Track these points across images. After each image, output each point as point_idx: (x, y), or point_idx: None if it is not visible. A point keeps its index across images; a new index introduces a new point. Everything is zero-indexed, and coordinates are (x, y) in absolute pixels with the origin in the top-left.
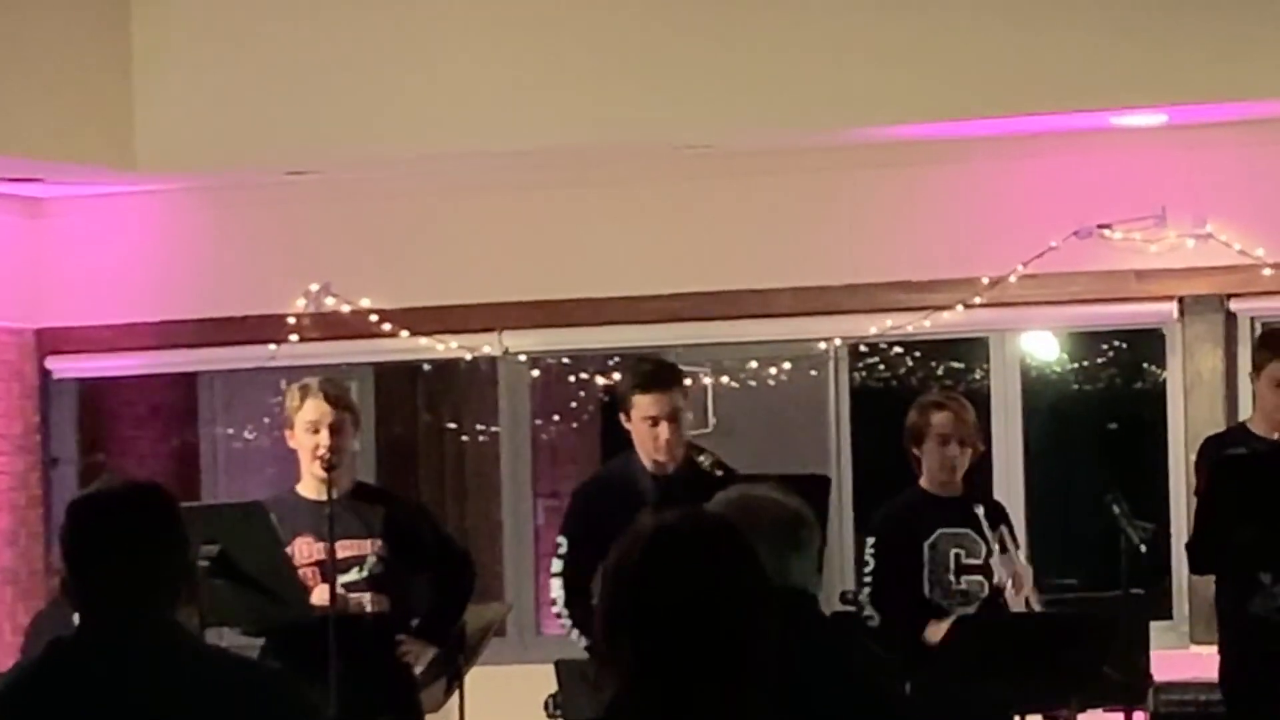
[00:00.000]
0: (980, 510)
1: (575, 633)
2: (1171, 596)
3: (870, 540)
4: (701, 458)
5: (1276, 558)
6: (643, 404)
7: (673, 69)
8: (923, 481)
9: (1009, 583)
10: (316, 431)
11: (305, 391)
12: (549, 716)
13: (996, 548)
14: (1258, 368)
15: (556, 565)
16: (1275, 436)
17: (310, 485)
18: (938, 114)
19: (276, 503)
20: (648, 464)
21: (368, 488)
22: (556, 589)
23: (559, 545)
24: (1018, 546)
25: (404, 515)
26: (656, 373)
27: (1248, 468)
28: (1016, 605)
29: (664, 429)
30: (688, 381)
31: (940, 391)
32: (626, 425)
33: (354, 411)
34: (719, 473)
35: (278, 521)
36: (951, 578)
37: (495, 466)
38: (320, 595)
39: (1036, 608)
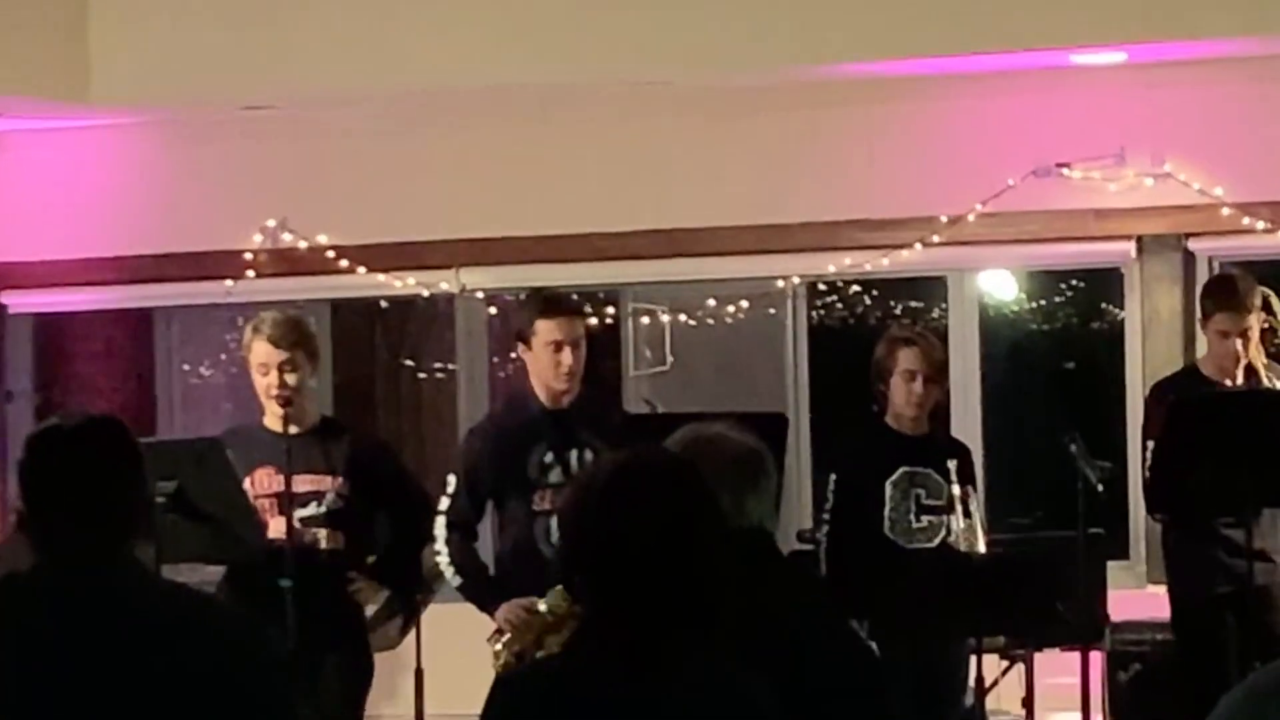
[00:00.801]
0: (953, 465)
1: (450, 570)
2: (1129, 536)
3: (832, 477)
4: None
5: (1232, 500)
6: (547, 329)
7: (632, 5)
8: (887, 418)
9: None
10: (267, 373)
11: (255, 331)
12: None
13: (960, 509)
14: (1205, 317)
15: (443, 503)
16: (1226, 382)
17: (272, 418)
18: (897, 52)
19: (241, 433)
20: (544, 397)
21: (334, 424)
22: (439, 526)
23: (447, 484)
24: (979, 509)
25: (367, 453)
26: (562, 299)
27: (1205, 411)
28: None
29: (567, 354)
30: (663, 319)
31: (909, 327)
32: (525, 355)
33: (308, 346)
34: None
35: (241, 452)
36: (912, 517)
37: (452, 403)
38: (277, 528)
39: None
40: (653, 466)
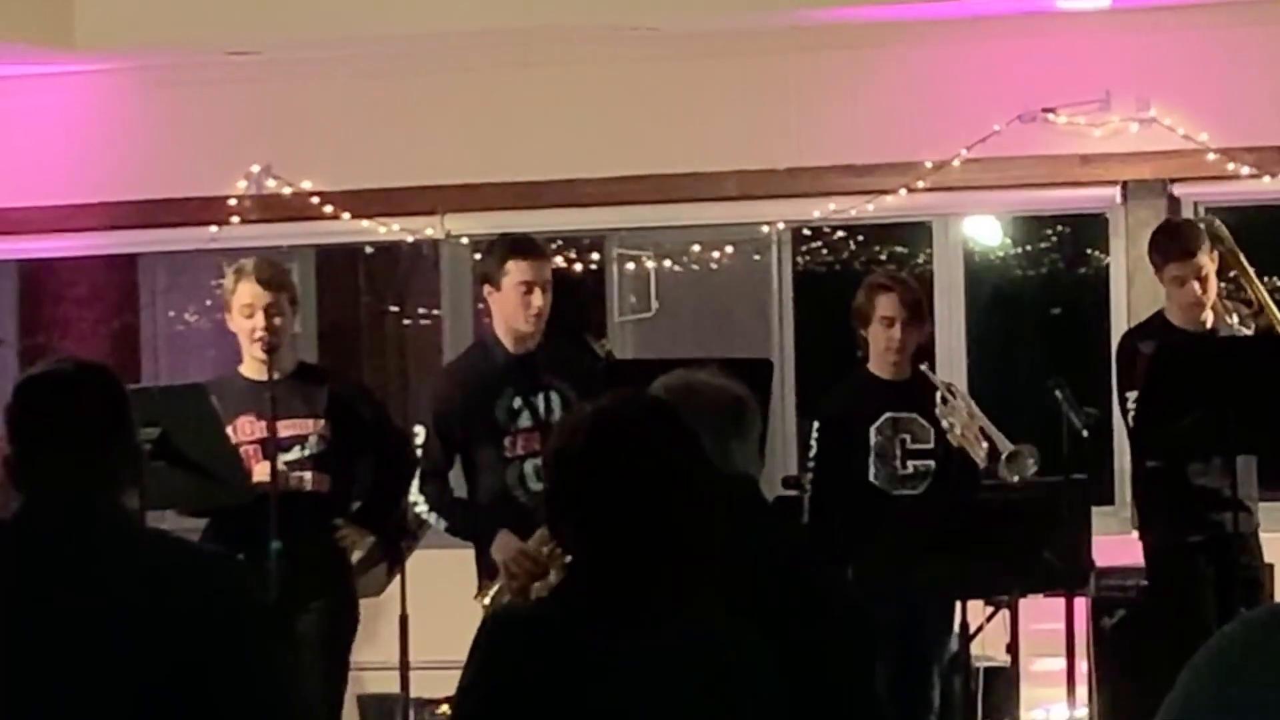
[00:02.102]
0: (939, 393)
1: (434, 516)
2: (1114, 482)
3: (815, 425)
4: (600, 344)
5: (1216, 443)
6: (518, 269)
7: None
8: (869, 364)
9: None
10: (251, 315)
11: (239, 274)
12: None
13: (955, 400)
14: (1157, 269)
15: (418, 454)
16: (1192, 328)
17: (251, 366)
18: None
19: (219, 384)
20: (508, 342)
21: (311, 368)
22: (414, 478)
23: (414, 434)
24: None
25: (347, 396)
26: (532, 241)
27: (1185, 356)
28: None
29: (536, 296)
30: (648, 265)
31: (887, 272)
32: (492, 298)
33: (291, 291)
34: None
35: (220, 402)
36: (898, 462)
37: (437, 349)
38: (262, 472)
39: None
40: (636, 410)
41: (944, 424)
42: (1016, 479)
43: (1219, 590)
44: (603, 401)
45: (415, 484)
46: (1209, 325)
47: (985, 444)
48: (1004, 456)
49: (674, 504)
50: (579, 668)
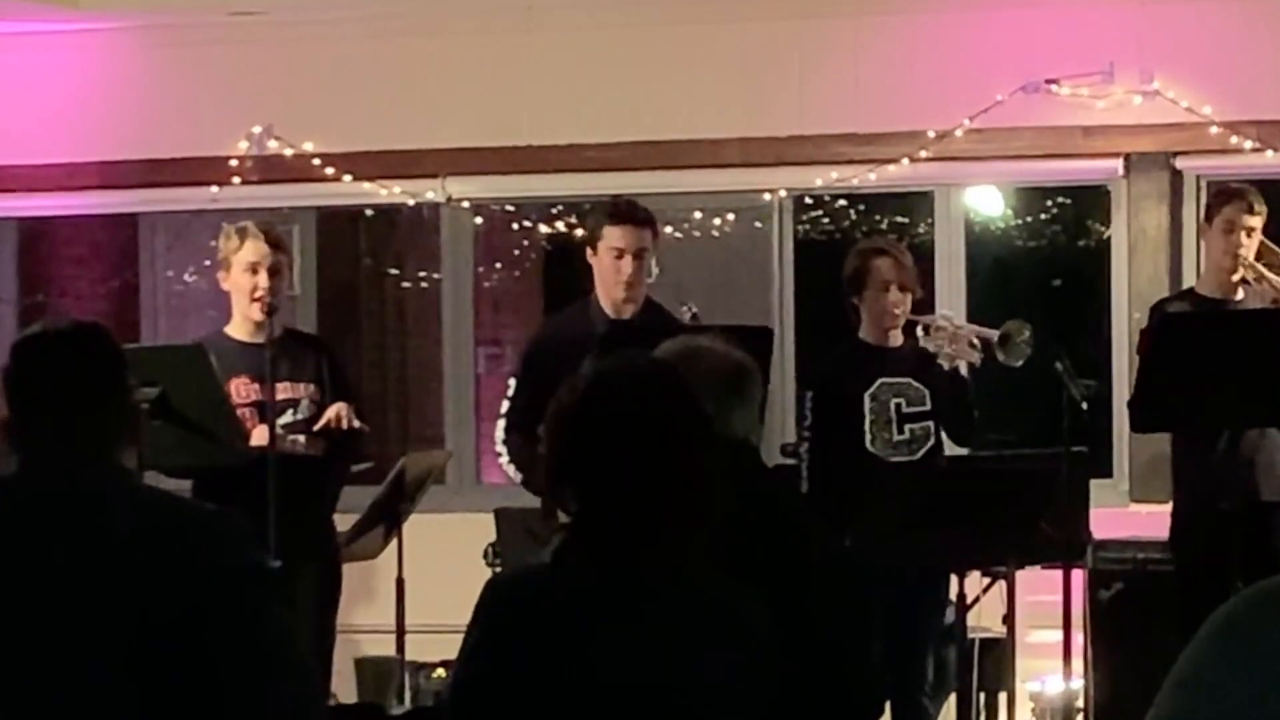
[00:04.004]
0: (918, 327)
1: (512, 468)
2: (1112, 455)
3: (809, 394)
4: (683, 308)
5: (1217, 416)
6: (612, 235)
7: None
8: (862, 332)
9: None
10: (255, 273)
11: (244, 233)
12: (488, 565)
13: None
14: (1209, 215)
15: (504, 405)
16: (1221, 296)
17: (241, 327)
18: None
19: (209, 345)
20: (607, 307)
21: (298, 333)
22: (500, 430)
23: (508, 387)
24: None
25: (334, 361)
26: (630, 207)
27: (1190, 325)
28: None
29: (628, 263)
30: (664, 229)
31: (877, 238)
32: (591, 261)
33: (289, 255)
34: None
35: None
36: (893, 428)
37: (436, 314)
38: (260, 436)
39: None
40: (633, 372)
41: (932, 350)
42: (1020, 363)
43: (1243, 562)
44: (602, 364)
45: (500, 435)
46: (1237, 296)
47: (980, 350)
48: (995, 342)
49: (670, 466)
50: (579, 631)
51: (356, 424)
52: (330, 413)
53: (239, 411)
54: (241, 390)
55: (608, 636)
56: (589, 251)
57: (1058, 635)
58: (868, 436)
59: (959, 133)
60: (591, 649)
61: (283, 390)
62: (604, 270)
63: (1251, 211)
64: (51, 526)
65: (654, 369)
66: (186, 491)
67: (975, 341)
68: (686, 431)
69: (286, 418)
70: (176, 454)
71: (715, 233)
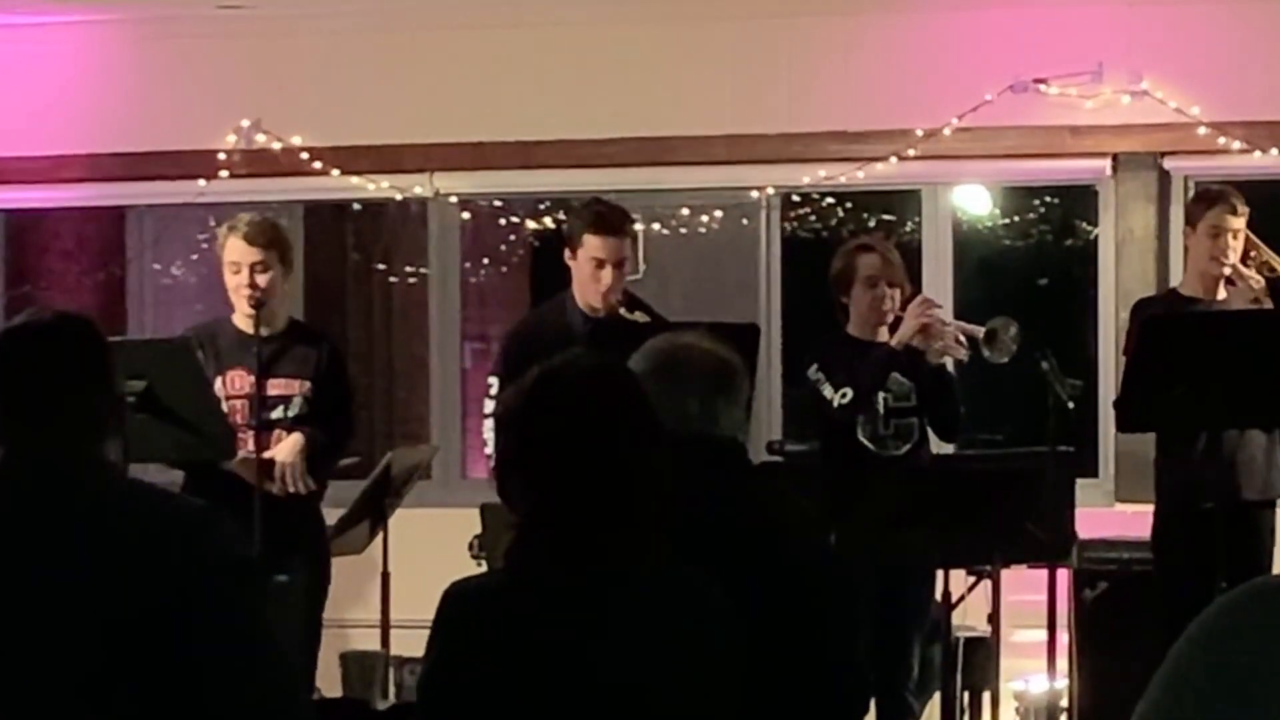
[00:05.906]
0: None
1: None
2: (1098, 454)
3: (795, 393)
4: (635, 314)
5: (1202, 417)
6: (592, 245)
7: None
8: (850, 328)
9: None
10: (238, 272)
11: (230, 230)
12: (473, 558)
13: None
14: (1193, 221)
15: (488, 406)
16: (1205, 298)
17: (244, 319)
18: None
19: (213, 326)
20: (584, 306)
21: (302, 328)
22: (488, 429)
23: (489, 386)
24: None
25: (334, 360)
26: (610, 216)
27: (1176, 330)
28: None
29: (608, 273)
30: (637, 228)
31: (864, 235)
32: (570, 262)
33: (282, 250)
34: (643, 319)
35: (214, 348)
36: (879, 423)
37: (423, 308)
38: (246, 454)
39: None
40: (576, 371)
41: (919, 345)
42: (1005, 359)
43: (1226, 561)
44: (548, 364)
45: (489, 435)
46: (1220, 297)
47: (966, 346)
48: (981, 339)
49: (616, 464)
50: (536, 635)
51: (301, 488)
52: (276, 472)
53: (231, 403)
54: (236, 381)
55: (565, 639)
56: (567, 253)
57: (1042, 634)
58: (858, 429)
59: (947, 132)
60: (551, 652)
61: (277, 386)
62: (583, 276)
63: (1235, 214)
64: (34, 519)
65: (600, 367)
66: (178, 484)
67: (962, 338)
68: (632, 429)
69: (277, 413)
70: (162, 447)
71: (703, 230)
